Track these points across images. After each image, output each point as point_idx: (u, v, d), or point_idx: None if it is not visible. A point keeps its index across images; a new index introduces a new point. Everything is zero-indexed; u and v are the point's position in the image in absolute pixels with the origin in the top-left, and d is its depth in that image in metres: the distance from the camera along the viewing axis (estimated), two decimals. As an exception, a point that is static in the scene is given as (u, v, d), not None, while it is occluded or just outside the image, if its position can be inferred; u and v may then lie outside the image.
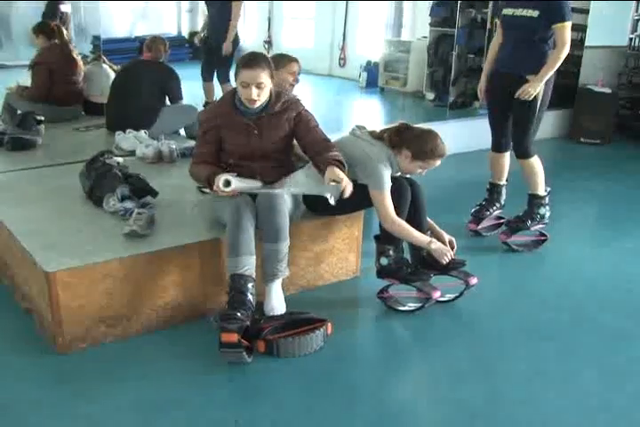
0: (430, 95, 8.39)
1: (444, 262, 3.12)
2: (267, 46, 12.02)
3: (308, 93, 5.73)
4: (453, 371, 2.66)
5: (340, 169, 2.81)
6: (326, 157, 2.86)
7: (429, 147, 3.03)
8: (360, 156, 3.08)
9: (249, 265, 2.70)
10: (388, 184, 3.02)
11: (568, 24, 3.62)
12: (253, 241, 2.74)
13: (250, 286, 2.68)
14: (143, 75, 4.57)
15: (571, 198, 5.14)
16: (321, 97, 3.80)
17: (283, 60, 3.60)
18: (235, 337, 2.50)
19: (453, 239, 3.25)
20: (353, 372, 2.65)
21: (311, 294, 3.22)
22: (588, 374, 2.65)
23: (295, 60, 3.67)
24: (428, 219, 3.31)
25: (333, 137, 3.33)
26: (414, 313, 3.05)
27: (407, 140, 3.05)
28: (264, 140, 2.94)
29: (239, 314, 2.59)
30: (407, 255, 3.22)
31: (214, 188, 2.78)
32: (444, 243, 3.18)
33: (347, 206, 3.16)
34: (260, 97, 2.85)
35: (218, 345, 2.52)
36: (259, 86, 2.82)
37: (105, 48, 5.77)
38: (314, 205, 3.12)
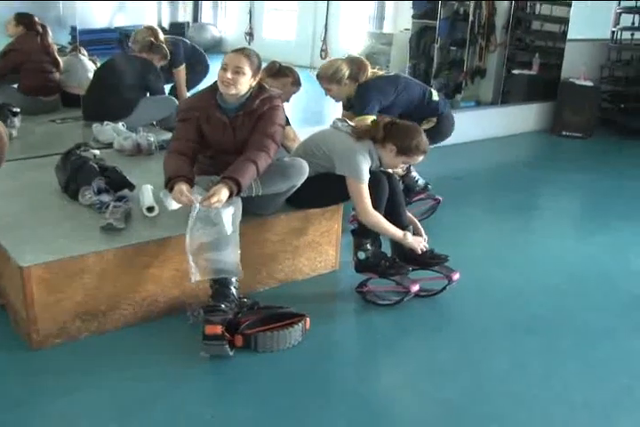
0: (412, 88, 8.37)
1: (419, 252, 3.15)
2: (248, 38, 11.92)
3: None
4: (435, 366, 2.67)
5: (229, 188, 2.68)
6: (235, 167, 2.77)
7: (414, 143, 3.06)
8: (339, 147, 3.10)
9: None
10: (366, 175, 3.03)
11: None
12: (237, 235, 2.75)
13: (234, 279, 2.70)
14: (124, 68, 4.55)
15: (552, 191, 5.19)
16: (302, 89, 3.83)
17: (297, 78, 3.78)
18: (219, 329, 2.52)
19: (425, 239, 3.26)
20: (332, 367, 2.66)
21: (290, 288, 3.22)
22: (570, 370, 2.66)
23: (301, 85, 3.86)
24: (411, 215, 3.34)
25: (314, 130, 3.36)
26: (394, 307, 3.06)
27: (392, 135, 3.07)
28: (238, 138, 2.94)
29: (223, 306, 2.62)
30: (387, 248, 3.24)
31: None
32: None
33: (325, 199, 3.24)
34: (236, 84, 2.83)
35: (201, 337, 2.53)
36: (236, 71, 2.82)
37: (83, 39, 5.67)
38: (292, 199, 3.12)
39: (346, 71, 3.73)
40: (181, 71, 5.15)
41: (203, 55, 5.53)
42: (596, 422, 2.37)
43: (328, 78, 3.77)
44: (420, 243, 3.18)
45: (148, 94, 4.61)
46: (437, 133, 3.87)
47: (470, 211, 4.50)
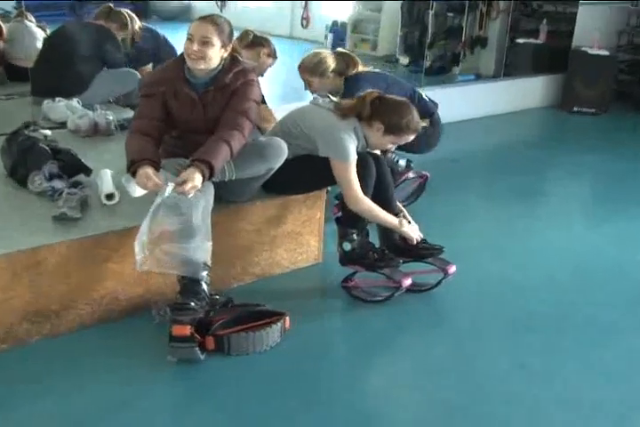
0: (404, 59, 8.38)
1: (414, 242, 3.18)
2: (219, 4, 11.85)
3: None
4: (431, 365, 2.71)
5: (201, 172, 2.67)
6: (206, 148, 2.76)
7: (405, 121, 3.08)
8: (321, 125, 3.12)
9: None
10: (353, 155, 3.05)
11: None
12: (209, 224, 2.75)
13: (204, 273, 2.71)
14: (79, 37, 4.52)
15: (559, 175, 5.24)
16: (281, 61, 3.85)
17: (273, 49, 3.89)
18: (187, 330, 2.52)
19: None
20: (316, 369, 2.66)
21: (267, 283, 3.23)
22: (573, 370, 2.70)
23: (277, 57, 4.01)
24: (399, 204, 3.37)
25: (294, 107, 3.36)
26: (384, 303, 3.09)
27: (380, 112, 3.08)
28: (208, 115, 2.95)
29: (193, 304, 2.62)
30: (375, 239, 3.26)
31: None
32: None
33: (307, 184, 3.25)
34: (204, 57, 2.83)
35: (168, 339, 2.54)
36: (203, 42, 2.82)
37: (30, 3, 5.63)
38: (269, 184, 3.13)
39: (331, 64, 3.80)
40: (147, 70, 5.06)
41: (173, 50, 5.49)
42: (601, 425, 2.41)
43: (310, 69, 3.82)
44: (415, 231, 3.22)
45: (106, 67, 4.57)
46: (428, 138, 3.94)
47: (467, 197, 4.54)
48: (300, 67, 3.87)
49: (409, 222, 3.24)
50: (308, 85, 3.91)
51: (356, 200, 3.06)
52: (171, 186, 2.63)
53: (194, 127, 2.97)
